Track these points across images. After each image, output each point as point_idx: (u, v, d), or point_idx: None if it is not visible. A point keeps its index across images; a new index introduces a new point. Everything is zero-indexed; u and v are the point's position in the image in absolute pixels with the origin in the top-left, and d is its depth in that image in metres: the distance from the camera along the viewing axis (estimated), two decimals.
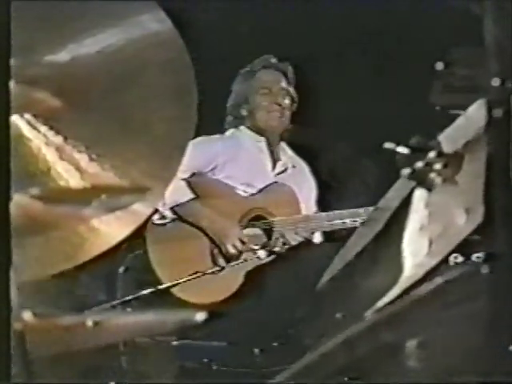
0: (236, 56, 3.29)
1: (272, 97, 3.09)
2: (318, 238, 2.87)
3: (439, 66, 1.26)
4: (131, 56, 1.22)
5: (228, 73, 3.23)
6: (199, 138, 3.01)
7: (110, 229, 1.25)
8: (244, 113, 3.13)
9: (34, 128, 1.22)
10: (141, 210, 1.25)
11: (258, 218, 2.98)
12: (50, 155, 1.23)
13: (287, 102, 3.11)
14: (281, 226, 2.95)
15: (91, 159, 1.23)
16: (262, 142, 3.11)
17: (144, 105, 1.24)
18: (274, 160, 3.12)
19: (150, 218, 1.27)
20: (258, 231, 2.94)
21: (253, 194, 3.00)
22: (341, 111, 3.26)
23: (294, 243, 2.91)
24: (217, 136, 3.12)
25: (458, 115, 1.27)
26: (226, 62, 3.29)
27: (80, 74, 1.22)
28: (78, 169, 1.23)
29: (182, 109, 1.24)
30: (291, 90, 3.14)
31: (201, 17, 3.17)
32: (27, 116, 1.19)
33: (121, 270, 2.89)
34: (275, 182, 3.05)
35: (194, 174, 2.97)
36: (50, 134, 1.22)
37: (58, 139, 1.22)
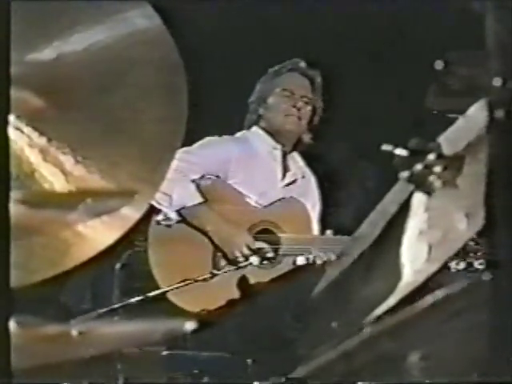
0: (231, 56, 3.29)
1: (292, 100, 3.07)
2: (323, 260, 2.87)
3: (439, 65, 1.27)
4: (119, 54, 1.22)
5: (220, 73, 3.24)
6: (211, 138, 3.02)
7: (96, 234, 1.24)
8: (261, 112, 3.12)
9: (17, 129, 1.21)
10: (128, 214, 1.24)
11: (265, 231, 2.97)
12: (33, 157, 1.22)
13: (308, 109, 3.08)
14: (289, 244, 2.94)
15: (77, 161, 1.23)
16: (278, 150, 3.09)
17: (132, 105, 1.24)
18: (285, 169, 3.11)
19: (137, 223, 1.26)
20: (264, 245, 2.93)
21: (265, 206, 2.99)
22: (338, 112, 3.26)
23: (300, 263, 2.90)
24: (229, 137, 3.11)
25: (458, 117, 1.27)
26: (221, 61, 3.29)
27: (65, 72, 1.22)
28: (63, 171, 1.23)
29: (171, 109, 1.23)
30: (316, 99, 3.11)
31: (193, 13, 3.17)
32: (10, 116, 1.19)
33: (117, 266, 2.89)
34: (290, 197, 3.04)
35: (204, 176, 2.97)
36: (34, 135, 1.22)
37: (42, 140, 1.22)
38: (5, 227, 1.11)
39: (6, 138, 1.12)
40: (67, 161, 1.22)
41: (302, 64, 3.12)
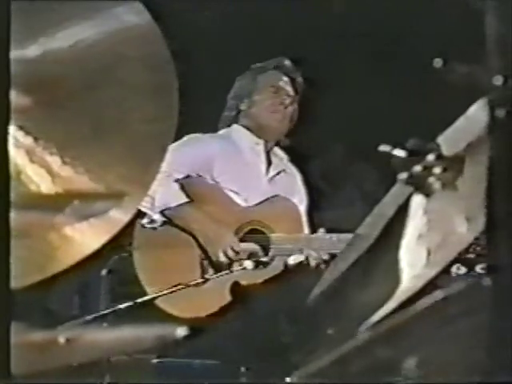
0: (222, 53, 3.29)
1: (279, 97, 3.08)
2: (316, 260, 2.86)
3: (438, 63, 1.27)
4: (107, 51, 1.22)
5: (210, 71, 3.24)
6: (193, 136, 3.01)
7: (83, 237, 1.24)
8: (243, 107, 3.12)
9: None
10: (117, 217, 1.24)
11: (255, 231, 2.96)
12: (19, 158, 1.22)
13: (290, 109, 3.10)
14: (280, 243, 2.93)
15: (64, 162, 1.22)
16: (261, 146, 3.10)
17: (121, 103, 1.23)
18: (268, 164, 3.12)
19: (126, 226, 1.26)
20: (253, 246, 2.92)
21: (252, 205, 2.98)
22: (334, 110, 3.26)
23: (291, 262, 2.90)
24: (211, 135, 3.11)
25: (459, 116, 1.27)
26: (212, 59, 3.29)
27: (51, 70, 1.22)
28: (50, 172, 1.22)
29: (161, 108, 1.23)
30: (296, 101, 3.12)
31: (183, 9, 3.16)
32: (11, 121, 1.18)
33: (104, 272, 2.88)
34: (278, 196, 3.03)
35: (187, 176, 2.96)
36: (20, 134, 1.21)
37: (28, 140, 1.22)
38: (5, 230, 1.11)
39: (6, 143, 1.12)
40: (54, 161, 1.22)
41: (287, 62, 3.13)
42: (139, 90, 1.23)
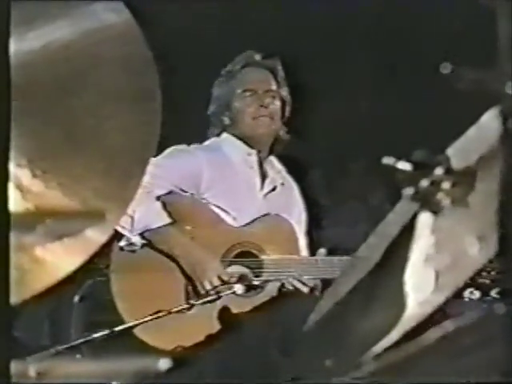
0: (206, 54, 3.30)
1: (258, 99, 3.04)
2: (318, 286, 2.85)
3: (445, 68, 1.27)
4: (82, 52, 1.22)
5: (199, 74, 3.25)
6: (178, 148, 3.00)
7: (56, 259, 1.24)
8: (226, 121, 3.10)
9: None
10: (93, 236, 1.24)
11: (246, 254, 2.94)
12: None
13: (277, 104, 3.07)
14: (273, 267, 2.92)
15: (35, 175, 1.22)
16: (253, 156, 3.07)
17: (97, 110, 1.23)
18: (263, 177, 3.10)
19: (102, 247, 1.26)
20: (244, 269, 2.90)
21: (244, 225, 2.96)
22: (336, 118, 3.27)
23: (286, 288, 2.88)
24: (198, 146, 3.09)
25: (469, 126, 1.27)
26: (196, 60, 3.30)
27: (22, 73, 1.22)
28: (19, 187, 1.22)
29: (142, 115, 1.23)
30: (282, 90, 3.10)
31: (166, 5, 3.17)
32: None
33: (76, 298, 2.86)
34: (271, 214, 3.01)
35: (171, 192, 2.94)
36: None
37: None
38: (4, 247, 1.11)
39: (6, 153, 1.12)
40: (24, 175, 1.22)
41: (257, 56, 3.10)
42: (118, 96, 1.23)
